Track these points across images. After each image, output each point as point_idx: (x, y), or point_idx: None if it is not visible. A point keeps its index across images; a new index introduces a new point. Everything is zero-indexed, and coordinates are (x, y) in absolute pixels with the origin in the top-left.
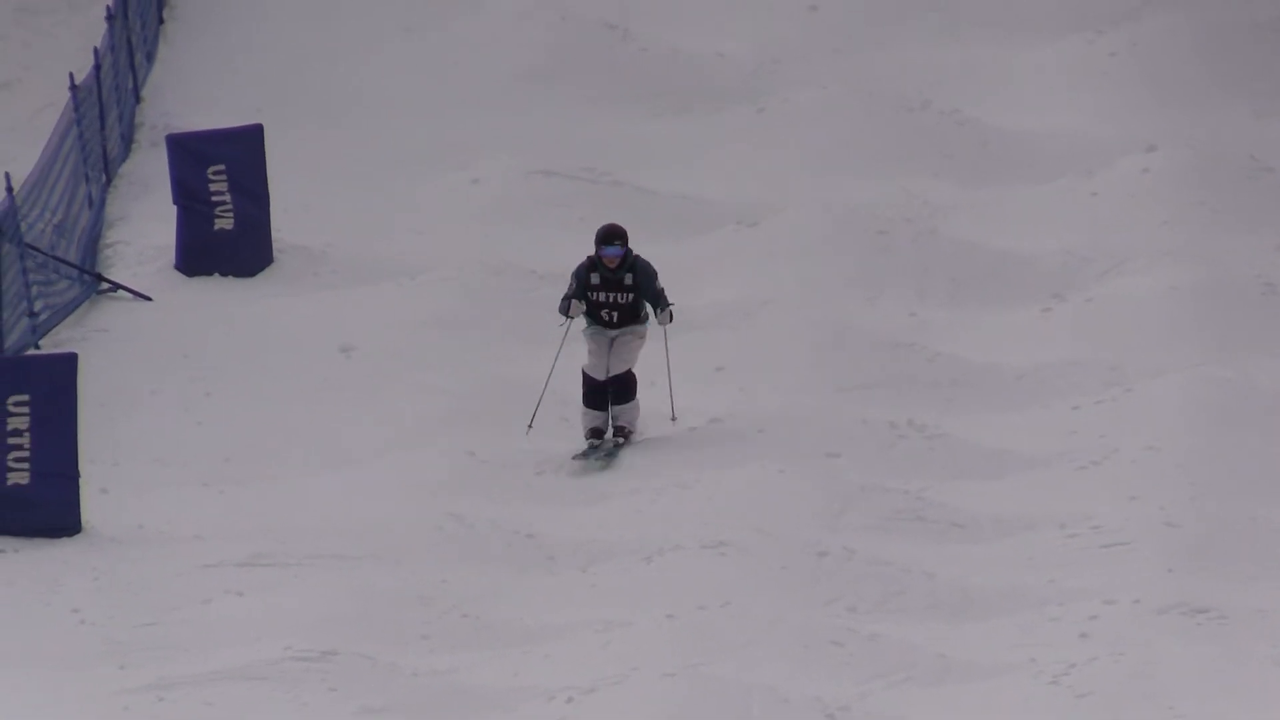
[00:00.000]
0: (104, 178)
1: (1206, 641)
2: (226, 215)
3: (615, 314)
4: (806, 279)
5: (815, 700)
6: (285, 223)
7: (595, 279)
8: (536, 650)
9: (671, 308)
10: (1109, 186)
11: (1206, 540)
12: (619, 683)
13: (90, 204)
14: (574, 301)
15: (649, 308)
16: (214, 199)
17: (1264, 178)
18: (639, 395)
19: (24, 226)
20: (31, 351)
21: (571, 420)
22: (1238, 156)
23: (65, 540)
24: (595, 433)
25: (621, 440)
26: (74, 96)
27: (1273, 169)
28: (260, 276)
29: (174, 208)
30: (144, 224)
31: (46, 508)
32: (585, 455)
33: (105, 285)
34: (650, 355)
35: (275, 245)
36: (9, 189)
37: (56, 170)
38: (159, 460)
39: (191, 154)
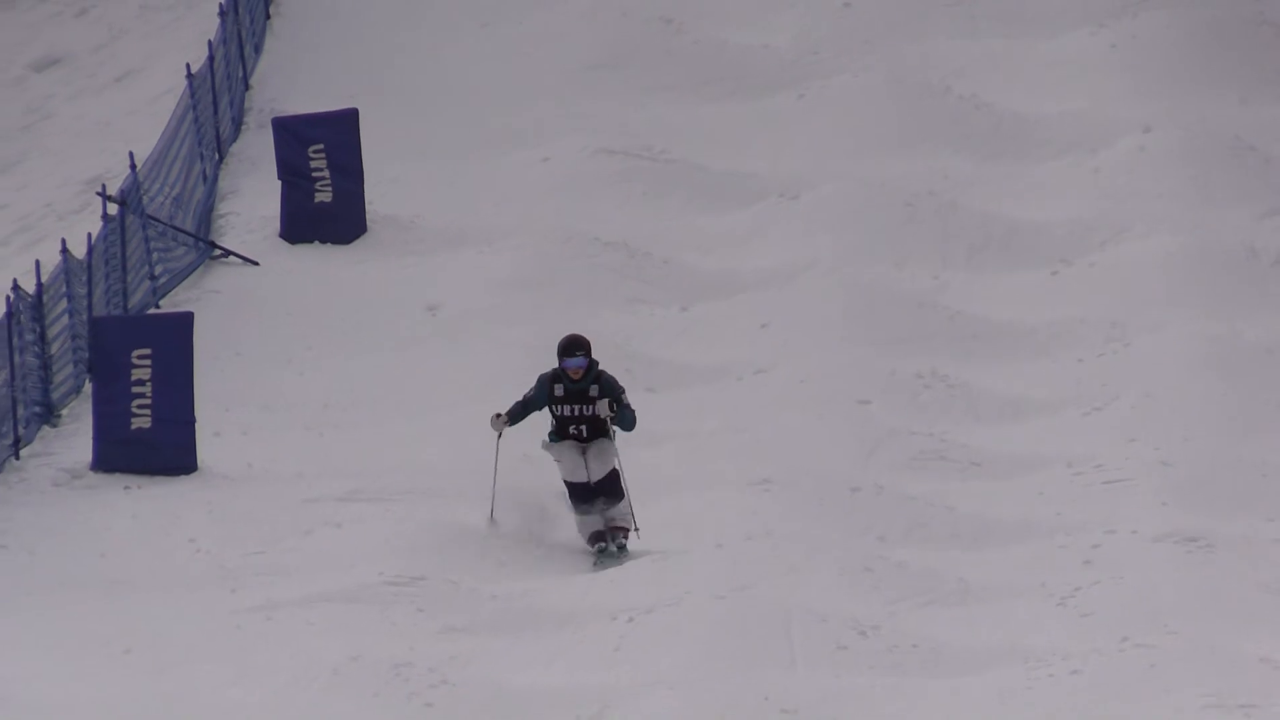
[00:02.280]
0: (216, 156)
1: (1197, 567)
2: (325, 189)
3: (584, 428)
4: (841, 246)
5: (849, 619)
6: (377, 195)
7: (560, 391)
8: (601, 576)
9: (634, 412)
10: (1110, 163)
11: (1197, 477)
12: (675, 604)
13: (205, 179)
14: (497, 417)
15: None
16: (314, 175)
17: (1248, 155)
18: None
19: (146, 199)
20: (152, 310)
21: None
22: (1224, 137)
23: (183, 478)
24: (597, 537)
25: (623, 541)
26: (190, 84)
27: (1255, 148)
28: (355, 244)
29: (278, 183)
30: (252, 197)
31: (166, 449)
32: (600, 564)
33: (218, 251)
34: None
35: (369, 216)
36: (132, 166)
37: (175, 150)
38: (265, 407)
39: (294, 135)
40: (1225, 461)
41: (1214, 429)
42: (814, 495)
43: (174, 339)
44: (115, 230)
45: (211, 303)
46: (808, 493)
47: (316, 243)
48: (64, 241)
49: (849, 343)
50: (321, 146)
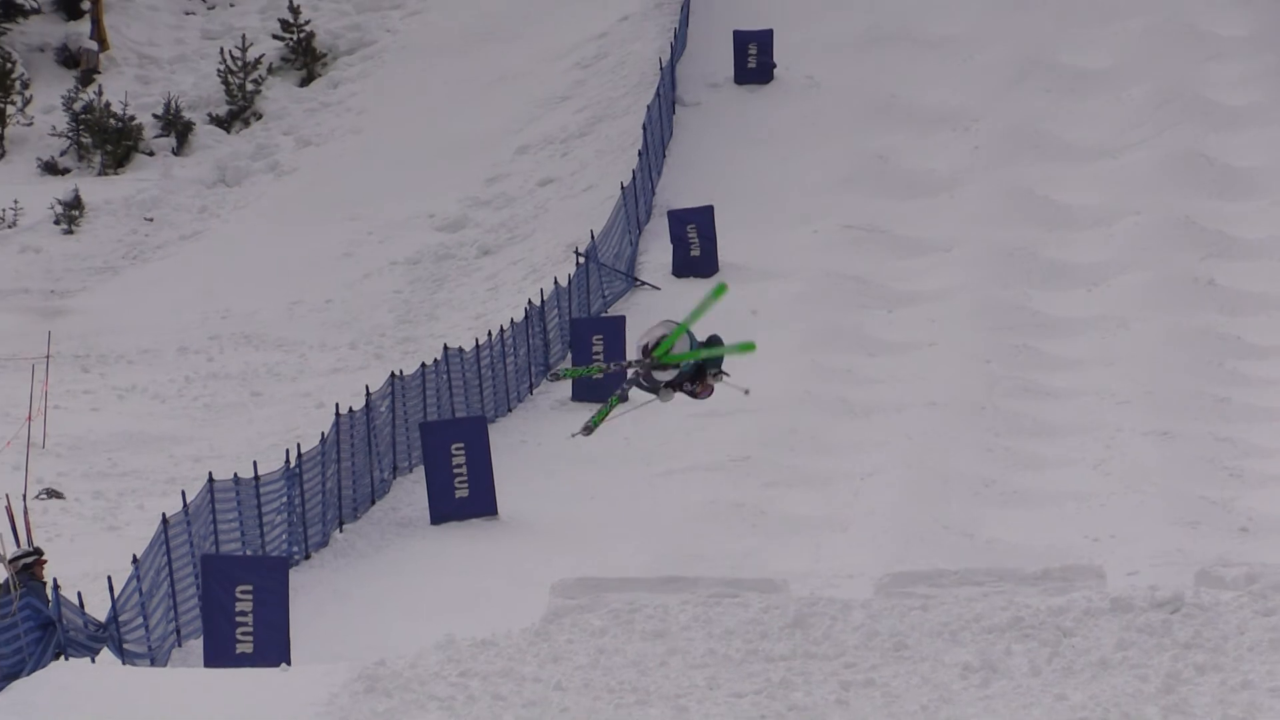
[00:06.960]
0: (637, 231)
1: None
2: (695, 248)
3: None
4: (973, 278)
5: (979, 478)
6: (727, 246)
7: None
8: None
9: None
10: None
11: None
12: (876, 474)
13: (630, 244)
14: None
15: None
16: (688, 241)
17: None
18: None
19: (600, 254)
20: (604, 315)
21: None
22: None
23: None
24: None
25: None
26: (623, 193)
27: None
28: (713, 277)
29: (670, 245)
30: (656, 253)
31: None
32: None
33: (637, 282)
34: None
35: (720, 264)
36: (592, 237)
37: (614, 227)
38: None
39: (679, 219)
40: None
41: None
42: (956, 412)
43: (614, 332)
44: (582, 272)
45: (634, 310)
46: (952, 411)
47: (690, 277)
48: (556, 279)
49: (975, 330)
50: (694, 225)
